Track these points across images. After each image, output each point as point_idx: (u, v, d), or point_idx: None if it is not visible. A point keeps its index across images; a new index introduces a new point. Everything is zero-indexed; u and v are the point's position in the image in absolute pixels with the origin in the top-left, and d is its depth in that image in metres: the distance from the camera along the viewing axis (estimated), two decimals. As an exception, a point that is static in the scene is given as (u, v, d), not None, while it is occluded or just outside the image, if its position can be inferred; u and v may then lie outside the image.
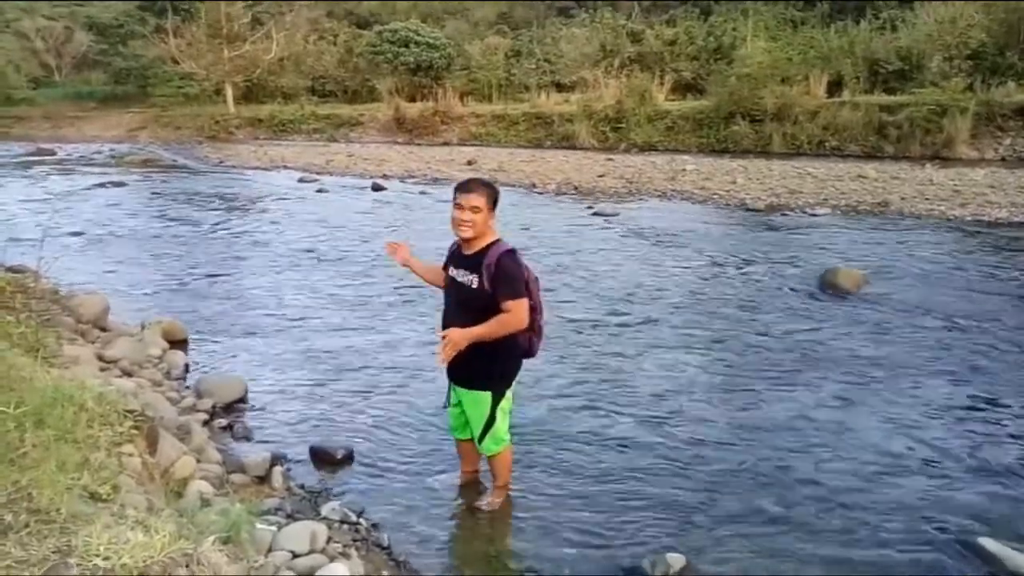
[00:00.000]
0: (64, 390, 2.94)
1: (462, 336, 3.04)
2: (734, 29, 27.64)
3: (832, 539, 3.35)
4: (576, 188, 15.23)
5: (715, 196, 13.67)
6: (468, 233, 3.17)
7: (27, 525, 2.05)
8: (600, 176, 16.37)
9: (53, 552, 1.96)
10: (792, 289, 7.63)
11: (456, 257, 3.33)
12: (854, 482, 3.84)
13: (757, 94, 20.62)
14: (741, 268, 8.56)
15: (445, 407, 3.62)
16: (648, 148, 21.77)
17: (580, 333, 6.27)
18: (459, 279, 3.25)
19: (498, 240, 3.25)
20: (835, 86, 21.64)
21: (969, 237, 9.95)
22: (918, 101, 18.64)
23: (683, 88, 26.18)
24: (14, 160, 23.24)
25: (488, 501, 3.61)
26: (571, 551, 3.27)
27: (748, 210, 12.47)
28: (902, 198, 12.45)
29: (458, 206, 3.17)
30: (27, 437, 2.54)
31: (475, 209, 3.13)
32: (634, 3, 36.38)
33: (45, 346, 3.98)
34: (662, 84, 24.80)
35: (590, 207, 12.90)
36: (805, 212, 12.04)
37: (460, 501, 3.70)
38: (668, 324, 6.50)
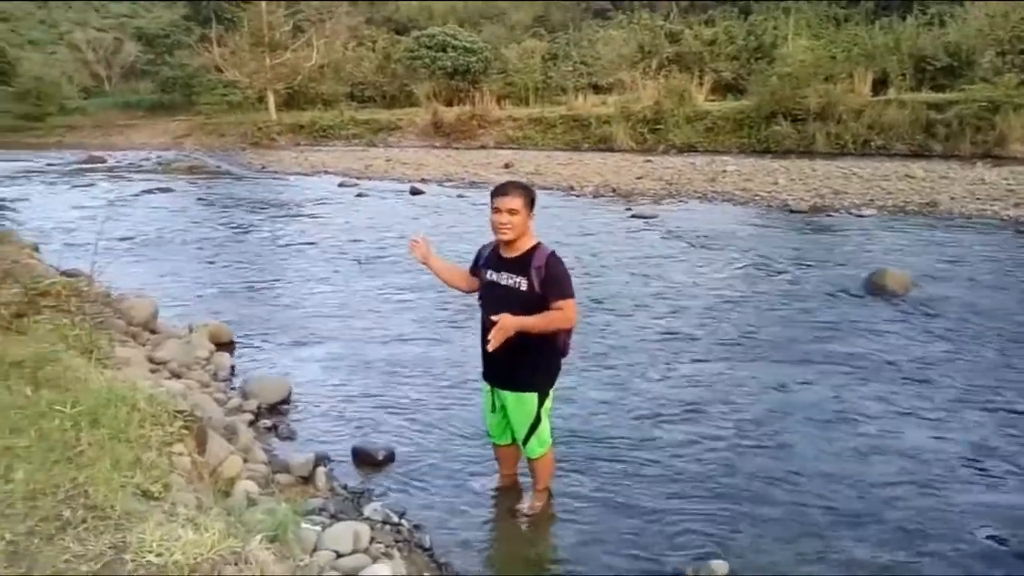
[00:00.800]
0: (117, 391, 3.02)
1: (513, 323, 3.04)
2: (775, 28, 27.25)
3: (880, 546, 3.27)
4: (614, 190, 15.15)
5: (757, 197, 13.47)
6: (508, 235, 3.19)
7: (84, 521, 2.11)
8: (638, 178, 16.27)
9: (109, 547, 2.01)
10: (838, 291, 7.46)
11: (494, 260, 3.32)
12: (903, 488, 3.75)
13: (799, 93, 20.26)
14: (784, 270, 8.41)
15: (493, 412, 3.55)
16: (687, 149, 21.56)
17: (620, 336, 6.22)
18: (503, 282, 3.24)
19: (539, 243, 3.28)
20: (880, 84, 21.18)
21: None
22: (968, 98, 18.10)
23: (723, 88, 25.89)
24: (67, 168, 24.02)
25: (529, 505, 3.60)
26: (613, 556, 3.25)
27: (791, 211, 12.25)
28: (952, 198, 12.11)
29: (496, 210, 3.19)
30: (83, 436, 2.62)
31: (512, 211, 3.15)
32: (672, 3, 36.07)
33: (98, 348, 4.10)
34: (701, 84, 24.55)
35: (628, 209, 12.82)
36: (850, 213, 11.80)
37: (500, 504, 3.70)
38: (710, 327, 6.42)
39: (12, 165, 24.29)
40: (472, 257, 3.56)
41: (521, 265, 3.21)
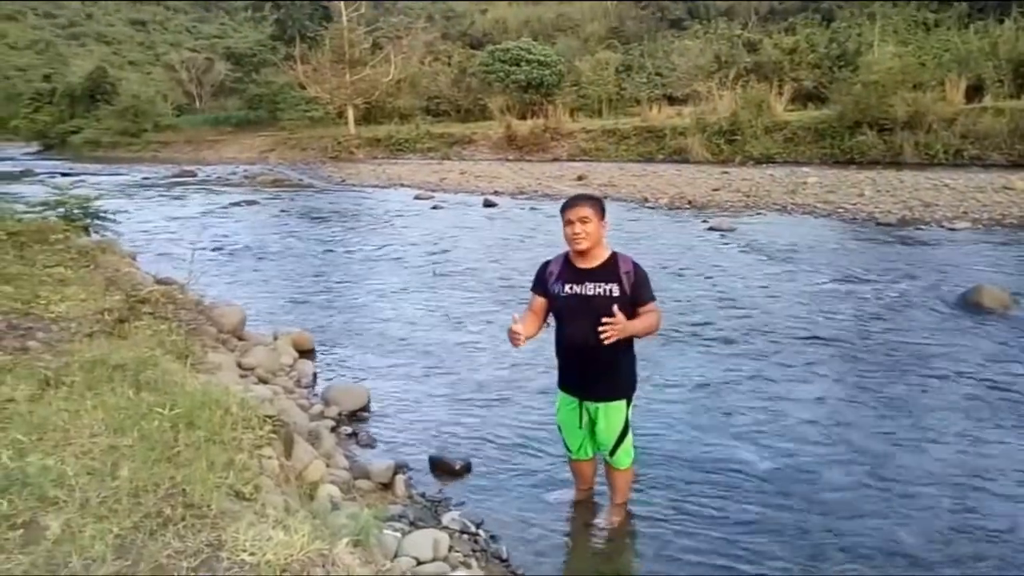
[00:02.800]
0: (212, 395, 3.16)
1: (627, 326, 3.06)
2: (859, 34, 26.37)
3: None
4: (690, 202, 14.91)
5: (840, 210, 13.01)
6: (584, 244, 3.21)
7: (183, 518, 2.21)
8: (715, 190, 15.96)
9: (206, 545, 2.10)
10: (929, 308, 7.11)
11: (570, 274, 3.30)
12: (1000, 517, 3.51)
13: (886, 102, 19.47)
14: (871, 285, 8.08)
15: (580, 427, 3.48)
16: (765, 160, 21.02)
17: (699, 353, 6.10)
18: (588, 292, 3.23)
19: (616, 251, 3.33)
20: (975, 91, 20.15)
21: None
22: (1073, 104, 17.04)
23: (803, 97, 25.19)
24: (162, 181, 25.38)
25: (607, 519, 3.56)
26: (692, 574, 3.18)
27: (878, 224, 11.77)
28: (1056, 211, 11.39)
29: (568, 222, 3.22)
30: (180, 437, 2.75)
31: (584, 220, 3.18)
32: (751, 12, 35.36)
33: (193, 353, 4.30)
34: (781, 94, 23.94)
35: (705, 221, 12.59)
36: (942, 226, 11.24)
37: (576, 518, 3.67)
38: (792, 345, 6.22)
39: (112, 179, 25.83)
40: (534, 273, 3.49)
41: (608, 272, 3.24)
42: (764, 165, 20.30)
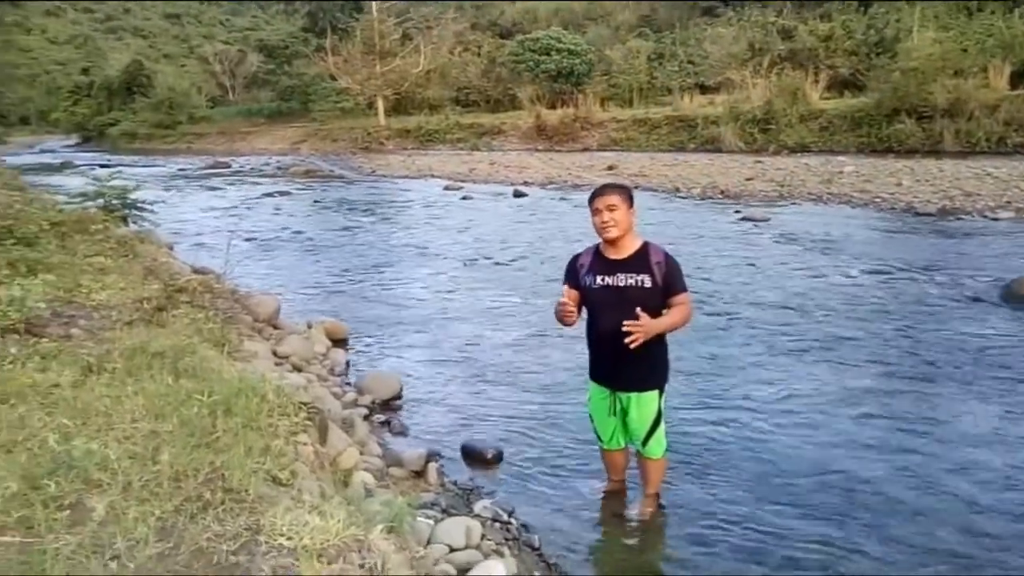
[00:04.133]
0: (248, 382, 3.20)
1: (655, 325, 3.05)
2: (898, 20, 25.72)
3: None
4: (722, 192, 14.74)
5: (877, 199, 12.75)
6: (613, 232, 3.19)
7: (223, 502, 2.24)
8: (748, 179, 15.75)
9: (244, 529, 2.13)
10: (972, 300, 6.94)
11: (600, 265, 3.28)
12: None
13: (925, 89, 18.99)
14: (911, 276, 7.91)
15: (611, 416, 3.48)
16: (800, 149, 20.66)
17: (733, 345, 6.04)
18: (620, 283, 3.22)
19: (647, 241, 3.30)
20: (1020, 77, 19.54)
21: None
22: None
23: (839, 85, 24.68)
24: (196, 172, 25.78)
25: (639, 510, 3.55)
26: (725, 569, 3.15)
27: (916, 214, 11.51)
28: (1105, 200, 11.04)
29: (596, 211, 3.22)
30: (219, 423, 2.79)
31: (612, 207, 3.17)
32: (785, -2, 34.71)
33: (229, 341, 4.36)
34: (816, 82, 23.49)
35: (738, 211, 12.43)
36: (984, 216, 10.96)
37: (608, 508, 3.67)
38: (827, 338, 6.11)
39: (149, 170, 26.31)
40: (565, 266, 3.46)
41: (639, 263, 3.22)
42: (799, 154, 19.96)
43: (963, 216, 11.12)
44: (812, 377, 5.24)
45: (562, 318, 3.18)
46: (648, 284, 3.18)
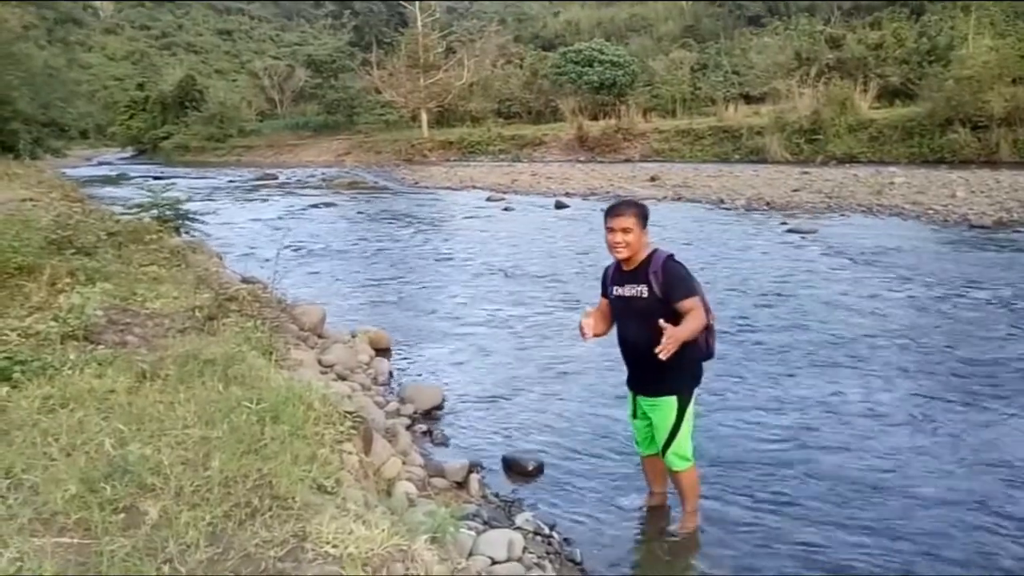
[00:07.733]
0: (295, 390, 3.26)
1: (679, 334, 3.02)
2: (951, 28, 25.08)
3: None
4: (768, 203, 14.50)
5: (930, 211, 12.40)
6: (624, 253, 3.26)
7: (270, 509, 2.28)
8: (794, 191, 15.48)
9: (291, 536, 2.17)
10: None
11: (617, 276, 3.38)
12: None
13: (981, 97, 18.47)
14: (965, 291, 7.66)
15: (636, 419, 3.58)
16: (849, 160, 20.26)
17: (779, 359, 5.92)
18: (627, 294, 3.30)
19: (656, 249, 3.32)
20: (1081, 84, 18.86)
21: None
22: None
23: (889, 95, 24.14)
24: (245, 184, 26.41)
25: (680, 526, 3.50)
26: (772, 588, 3.08)
27: (972, 227, 11.16)
28: None
29: (610, 229, 3.26)
30: (267, 430, 2.84)
31: (626, 230, 3.22)
32: (833, 6, 34.14)
33: (276, 350, 4.44)
34: (865, 91, 23.03)
35: (784, 223, 12.21)
36: (1044, 229, 10.57)
37: (649, 523, 3.63)
38: (876, 354, 5.95)
39: (200, 182, 27.05)
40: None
41: (640, 273, 3.27)
42: (847, 165, 19.57)
43: (1021, 228, 10.74)
44: (860, 396, 5.10)
45: (581, 334, 3.31)
46: (645, 294, 3.23)
